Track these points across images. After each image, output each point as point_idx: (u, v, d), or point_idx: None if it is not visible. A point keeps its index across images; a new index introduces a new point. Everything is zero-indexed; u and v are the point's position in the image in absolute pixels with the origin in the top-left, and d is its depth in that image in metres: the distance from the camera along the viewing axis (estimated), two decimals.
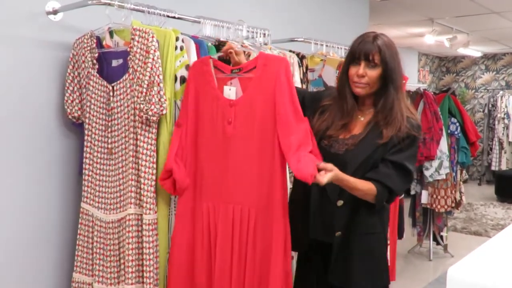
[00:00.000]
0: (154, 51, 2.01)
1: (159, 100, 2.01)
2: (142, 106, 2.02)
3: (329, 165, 1.85)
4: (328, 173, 1.82)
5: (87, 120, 2.21)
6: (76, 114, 2.25)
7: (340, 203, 2.00)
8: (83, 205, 2.22)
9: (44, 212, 2.26)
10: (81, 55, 2.21)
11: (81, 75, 2.23)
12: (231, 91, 2.11)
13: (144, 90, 2.01)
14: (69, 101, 2.25)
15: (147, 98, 2.01)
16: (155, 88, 2.01)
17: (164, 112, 2.04)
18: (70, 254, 2.31)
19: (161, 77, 2.03)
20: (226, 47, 2.14)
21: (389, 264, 3.83)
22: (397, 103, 1.98)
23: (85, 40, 2.19)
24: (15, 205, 2.17)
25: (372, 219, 2.04)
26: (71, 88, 2.25)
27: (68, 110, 2.25)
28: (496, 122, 8.88)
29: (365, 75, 1.96)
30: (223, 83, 2.12)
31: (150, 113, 2.01)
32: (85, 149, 2.21)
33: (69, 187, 2.34)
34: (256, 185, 2.02)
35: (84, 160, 2.22)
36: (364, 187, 1.94)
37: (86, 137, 2.21)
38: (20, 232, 2.18)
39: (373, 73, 1.96)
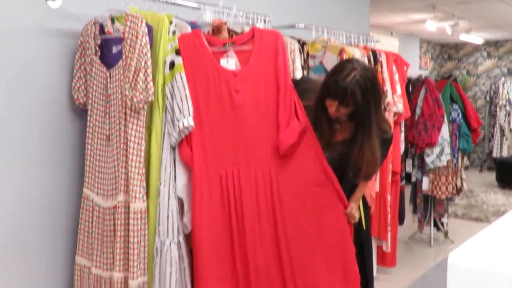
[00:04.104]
0: (142, 36, 1.99)
1: (146, 87, 1.99)
2: (128, 92, 2.00)
3: (349, 208, 2.24)
4: (353, 212, 2.25)
5: (89, 106, 2.21)
6: (82, 100, 2.25)
7: None
8: (84, 190, 2.23)
9: (50, 196, 2.27)
10: (86, 42, 2.21)
11: (86, 62, 2.23)
12: (229, 63, 2.13)
13: (131, 76, 2.00)
14: (76, 87, 2.25)
15: (133, 84, 1.99)
16: (141, 75, 1.98)
17: (150, 99, 2.01)
18: (75, 238, 2.32)
19: (148, 63, 1.99)
20: (218, 21, 2.16)
21: (389, 250, 3.86)
22: (366, 142, 2.15)
23: (89, 27, 2.18)
24: (22, 189, 2.17)
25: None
26: (78, 74, 2.25)
27: (75, 96, 2.26)
28: (498, 109, 8.86)
29: (338, 112, 2.13)
30: (217, 57, 2.13)
31: (135, 100, 1.99)
32: (87, 134, 2.22)
33: (74, 172, 2.35)
34: (270, 146, 2.13)
35: (86, 145, 2.22)
36: (363, 190, 2.39)
37: (88, 123, 2.22)
38: (25, 217, 2.19)
39: (346, 111, 2.13)
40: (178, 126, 2.04)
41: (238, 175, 2.12)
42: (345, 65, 2.10)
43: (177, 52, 2.09)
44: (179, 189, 2.10)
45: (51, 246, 2.29)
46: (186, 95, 2.06)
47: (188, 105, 2.06)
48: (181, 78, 2.08)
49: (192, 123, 2.05)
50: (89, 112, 2.22)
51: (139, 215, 2.03)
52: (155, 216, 2.10)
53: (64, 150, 2.32)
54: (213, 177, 2.11)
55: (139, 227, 2.03)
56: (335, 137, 2.26)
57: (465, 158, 4.90)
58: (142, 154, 2.05)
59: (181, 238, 2.11)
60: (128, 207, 2.06)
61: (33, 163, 2.21)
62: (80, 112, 2.33)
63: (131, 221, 2.03)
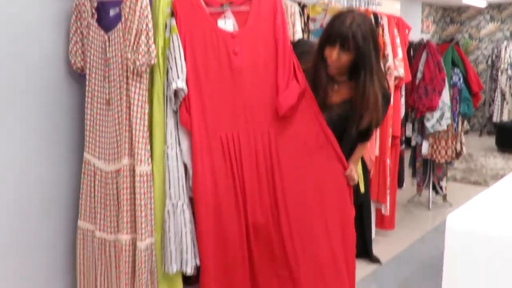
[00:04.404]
0: None
1: (148, 50, 1.97)
2: (130, 55, 1.99)
3: (348, 170, 2.26)
4: (353, 174, 2.26)
5: (87, 71, 2.20)
6: (79, 65, 2.24)
7: None
8: (85, 155, 2.23)
9: (51, 161, 2.28)
10: (81, 5, 2.17)
11: (82, 25, 2.20)
12: (226, 24, 2.11)
13: (132, 39, 1.98)
14: (73, 52, 2.23)
15: (134, 47, 1.97)
16: (143, 37, 1.96)
17: (152, 62, 2.00)
18: (76, 202, 2.34)
19: (150, 25, 1.97)
20: None
21: (388, 213, 3.90)
22: (370, 87, 2.13)
23: None
24: (22, 155, 2.18)
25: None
26: (74, 38, 2.22)
27: (72, 61, 2.24)
28: (499, 73, 8.80)
29: (338, 60, 2.10)
30: (215, 18, 2.11)
31: (137, 63, 1.97)
32: (86, 99, 2.21)
33: (74, 137, 2.35)
34: (269, 108, 2.13)
35: (85, 110, 2.22)
36: (362, 150, 2.42)
37: (87, 88, 2.20)
38: (25, 184, 2.20)
39: (347, 57, 2.09)
40: (172, 88, 2.04)
41: (238, 137, 2.13)
42: (342, 13, 2.10)
43: (172, 14, 2.07)
44: (184, 153, 2.13)
45: (52, 211, 2.31)
46: (180, 57, 2.04)
47: (181, 67, 2.04)
48: (173, 40, 2.05)
49: (183, 85, 2.04)
50: (87, 77, 2.20)
51: (145, 178, 2.06)
52: (160, 179, 2.12)
53: (63, 115, 2.31)
54: (213, 139, 2.12)
55: (145, 190, 2.06)
56: (334, 98, 2.25)
57: (465, 122, 4.90)
58: (146, 117, 2.06)
59: (188, 200, 2.16)
60: (133, 170, 2.08)
61: (31, 130, 2.20)
62: (78, 77, 2.31)
63: (137, 184, 2.05)
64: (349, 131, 2.25)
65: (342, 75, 2.22)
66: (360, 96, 2.14)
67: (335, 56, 2.09)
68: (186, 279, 2.33)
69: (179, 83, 2.03)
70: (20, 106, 2.16)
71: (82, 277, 2.29)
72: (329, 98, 2.23)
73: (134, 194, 2.09)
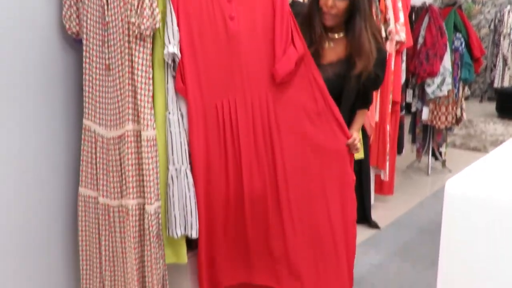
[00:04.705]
0: None
1: (152, 13, 1.95)
2: (134, 19, 1.96)
3: (351, 139, 2.23)
4: (356, 142, 2.24)
5: (84, 36, 2.16)
6: (74, 30, 2.20)
7: None
8: (85, 121, 2.23)
9: (49, 128, 2.27)
10: None
11: None
12: None
13: (136, 2, 1.95)
14: (67, 16, 2.19)
15: (138, 11, 1.94)
16: (147, 1, 1.93)
17: (157, 25, 1.98)
18: (76, 169, 2.35)
19: None
20: None
21: (387, 179, 3.93)
22: (364, 32, 2.16)
23: None
24: (17, 122, 2.17)
25: None
26: (68, 2, 2.18)
27: (67, 26, 2.20)
28: (502, 38, 8.70)
29: (334, 7, 2.13)
30: None
31: (142, 27, 1.95)
32: (84, 65, 2.18)
33: (72, 104, 2.33)
34: (267, 74, 2.10)
35: (83, 76, 2.19)
36: (364, 118, 2.43)
37: (84, 53, 2.18)
38: (23, 149, 2.20)
39: (342, 4, 2.13)
40: (167, 52, 2.03)
41: (235, 104, 2.12)
42: None
43: None
44: (184, 119, 2.14)
45: (52, 179, 2.32)
46: (172, 21, 2.02)
47: (173, 32, 2.02)
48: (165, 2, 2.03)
49: (175, 50, 2.02)
50: (84, 42, 2.17)
51: (152, 143, 2.07)
52: (161, 144, 2.13)
53: (59, 82, 2.28)
54: (208, 107, 2.11)
55: (152, 154, 2.07)
56: (330, 57, 2.26)
57: (466, 88, 4.88)
58: (151, 82, 2.05)
59: (191, 164, 2.18)
60: (138, 136, 2.08)
61: (27, 98, 2.17)
62: (73, 42, 2.27)
63: (143, 149, 2.06)
64: (347, 90, 2.25)
65: (337, 30, 2.23)
66: (352, 39, 2.18)
67: (331, 3, 2.12)
68: (188, 243, 2.37)
69: (171, 48, 2.02)
70: (14, 74, 2.12)
71: (84, 244, 2.32)
72: (325, 55, 2.24)
73: (139, 159, 2.10)
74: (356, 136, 2.27)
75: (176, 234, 2.15)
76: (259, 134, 2.14)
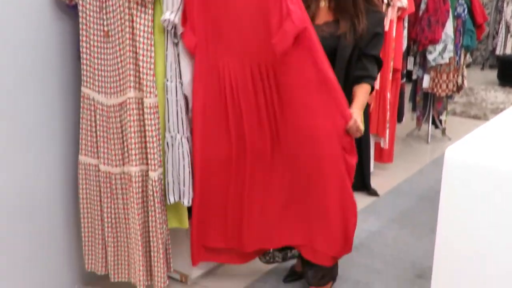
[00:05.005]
0: None
1: None
2: None
3: (352, 120, 2.13)
4: (359, 123, 2.14)
5: (80, 1, 2.13)
6: None
7: None
8: (83, 89, 2.21)
9: (45, 97, 2.26)
10: None
11: None
12: None
13: None
14: None
15: None
16: None
17: None
18: (75, 137, 2.35)
19: None
20: None
21: (387, 146, 3.93)
22: None
23: None
24: (15, 93, 2.16)
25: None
26: None
27: None
28: (505, 4, 8.57)
29: None
30: None
31: None
32: (81, 32, 2.16)
33: (68, 72, 2.31)
34: (265, 46, 2.05)
35: (81, 43, 2.17)
36: (366, 95, 2.30)
37: (81, 20, 2.14)
38: (21, 117, 2.20)
39: None
40: (164, 19, 2.01)
41: (235, 67, 2.11)
42: None
43: None
44: (185, 86, 2.13)
45: (52, 147, 2.32)
46: None
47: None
48: None
49: (172, 17, 2.01)
50: (80, 8, 2.13)
51: (154, 110, 2.07)
52: (162, 111, 2.13)
53: (55, 51, 2.26)
54: (213, 67, 2.13)
55: (155, 121, 2.08)
56: (326, 17, 2.26)
57: (468, 55, 4.83)
58: (153, 48, 2.03)
59: (189, 133, 2.18)
60: (140, 103, 2.08)
61: (22, 68, 2.15)
62: (66, 8, 2.23)
63: (146, 116, 2.06)
64: (341, 48, 2.22)
65: None
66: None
67: None
68: (190, 208, 2.40)
69: (167, 15, 2.01)
70: (8, 44, 2.10)
71: (86, 211, 2.34)
72: (321, 15, 2.25)
73: (141, 126, 2.10)
74: (357, 116, 2.16)
75: (170, 200, 2.18)
76: (260, 97, 2.13)
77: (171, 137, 2.15)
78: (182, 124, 2.14)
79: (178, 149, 2.15)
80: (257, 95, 2.13)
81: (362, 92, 2.27)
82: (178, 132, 2.14)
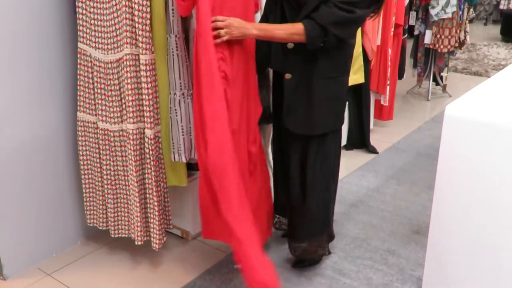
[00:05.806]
0: None
1: None
2: None
3: (220, 17, 1.87)
4: (221, 25, 1.87)
5: None
6: None
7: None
8: (80, 45, 2.18)
9: (43, 52, 2.23)
10: None
11: None
12: None
13: None
14: None
15: None
16: None
17: None
18: (73, 95, 2.33)
19: None
20: None
21: (387, 104, 3.91)
22: None
23: None
24: (11, 51, 2.13)
25: (326, 63, 2.02)
26: None
27: None
28: None
29: None
30: None
31: None
32: None
33: (65, 27, 2.28)
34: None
35: None
36: (287, 28, 1.91)
37: None
38: (18, 76, 2.18)
39: None
40: None
41: None
42: None
43: None
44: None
45: (50, 104, 2.31)
46: None
47: None
48: None
49: None
50: None
51: (150, 67, 2.05)
52: (161, 68, 2.11)
53: (50, 7, 2.22)
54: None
55: (151, 79, 2.06)
56: None
57: (471, 10, 4.75)
58: (148, 4, 1.99)
59: (187, 91, 2.17)
60: (136, 60, 2.05)
61: (18, 24, 2.12)
62: None
63: (142, 72, 2.05)
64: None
65: None
66: None
67: None
68: (189, 166, 2.41)
69: None
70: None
71: (86, 168, 2.35)
72: None
73: (138, 83, 2.09)
74: (232, 21, 1.89)
75: (181, 158, 2.20)
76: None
77: (183, 94, 2.16)
78: (184, 81, 2.14)
79: (176, 106, 2.15)
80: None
81: (283, 24, 1.97)
82: (180, 89, 2.14)
